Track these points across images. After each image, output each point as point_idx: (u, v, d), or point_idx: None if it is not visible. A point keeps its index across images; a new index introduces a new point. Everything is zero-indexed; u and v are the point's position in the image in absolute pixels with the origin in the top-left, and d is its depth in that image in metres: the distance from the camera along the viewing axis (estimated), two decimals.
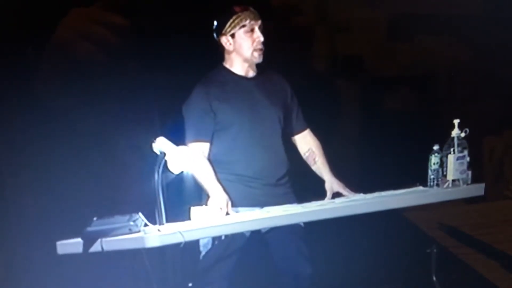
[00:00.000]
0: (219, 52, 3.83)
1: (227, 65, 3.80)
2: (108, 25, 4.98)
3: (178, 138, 3.44)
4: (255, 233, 3.73)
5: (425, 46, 5.99)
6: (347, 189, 3.83)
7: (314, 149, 3.96)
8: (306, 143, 3.97)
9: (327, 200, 3.80)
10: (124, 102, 4.71)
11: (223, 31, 3.73)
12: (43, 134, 4.51)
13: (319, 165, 3.94)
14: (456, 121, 3.60)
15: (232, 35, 3.72)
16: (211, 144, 3.72)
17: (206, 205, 3.57)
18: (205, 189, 3.66)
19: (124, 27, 4.97)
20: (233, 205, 3.64)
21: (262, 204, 3.70)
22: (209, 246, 3.68)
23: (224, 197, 3.61)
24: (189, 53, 4.76)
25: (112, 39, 4.95)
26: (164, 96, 4.74)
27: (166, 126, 4.50)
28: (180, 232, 3.11)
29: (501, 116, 6.07)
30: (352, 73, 5.97)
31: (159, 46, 4.82)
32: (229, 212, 3.59)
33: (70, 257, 3.24)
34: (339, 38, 6.01)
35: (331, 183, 3.87)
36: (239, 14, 3.71)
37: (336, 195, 3.84)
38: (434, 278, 3.96)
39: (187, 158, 3.27)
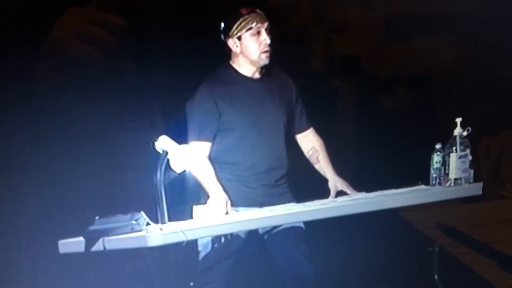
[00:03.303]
0: (220, 50, 3.81)
1: (234, 65, 3.78)
2: (105, 24, 4.97)
3: (180, 137, 3.43)
4: (254, 234, 3.73)
5: (424, 46, 6.01)
6: (351, 188, 3.83)
7: (317, 147, 3.95)
8: (309, 141, 3.97)
9: (330, 198, 3.79)
10: (125, 102, 4.70)
11: (230, 34, 3.71)
12: (45, 133, 4.50)
13: (322, 164, 3.93)
14: (458, 120, 3.60)
15: (239, 38, 3.70)
16: (212, 144, 3.71)
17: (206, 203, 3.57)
18: (205, 189, 3.65)
19: (121, 26, 4.96)
20: (231, 205, 3.63)
21: (260, 204, 3.69)
22: (209, 246, 3.67)
23: (224, 197, 3.60)
24: (188, 51, 4.76)
25: (109, 38, 4.93)
26: (166, 95, 4.74)
27: (168, 124, 4.50)
28: (182, 231, 3.11)
29: (497, 116, 6.09)
30: (354, 73, 5.99)
31: (157, 45, 4.82)
32: (228, 212, 3.58)
33: (72, 256, 3.23)
34: (338, 38, 6.02)
35: (335, 182, 3.87)
36: (246, 17, 3.68)
37: (340, 194, 3.83)
38: (436, 277, 3.97)
39: (190, 157, 3.26)
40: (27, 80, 4.77)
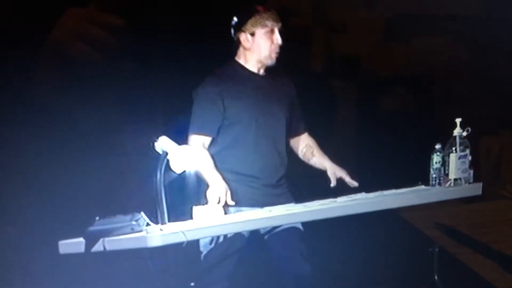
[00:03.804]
0: (221, 50, 3.83)
1: (240, 60, 3.79)
2: (106, 25, 4.97)
3: (180, 137, 3.43)
4: (255, 234, 3.74)
5: (424, 46, 6.01)
6: (349, 176, 3.83)
7: (311, 144, 3.97)
8: (303, 140, 3.99)
9: (332, 184, 3.80)
10: (125, 102, 4.71)
11: (243, 28, 3.72)
12: (45, 134, 4.51)
13: (318, 156, 3.94)
14: (458, 120, 3.60)
15: (252, 34, 3.71)
16: (214, 140, 3.71)
17: (205, 195, 3.57)
18: (205, 179, 3.65)
19: (122, 27, 4.96)
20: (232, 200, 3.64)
21: (261, 204, 3.68)
22: (210, 246, 3.67)
23: (223, 186, 3.60)
24: (189, 52, 4.77)
25: (109, 39, 4.94)
26: (166, 95, 4.74)
27: (168, 125, 4.50)
28: (182, 232, 3.11)
29: (498, 116, 6.08)
30: (354, 73, 5.99)
31: (157, 45, 4.82)
32: (228, 202, 3.58)
33: (72, 257, 3.24)
34: (338, 38, 6.02)
35: (333, 169, 3.87)
36: (262, 13, 3.70)
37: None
38: (436, 277, 3.97)
39: (189, 158, 3.26)
40: (27, 81, 4.77)
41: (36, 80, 4.84)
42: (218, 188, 3.58)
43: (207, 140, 3.71)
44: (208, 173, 3.64)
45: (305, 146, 3.97)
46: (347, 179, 3.82)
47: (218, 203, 3.54)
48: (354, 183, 3.79)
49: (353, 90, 6.02)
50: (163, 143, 3.24)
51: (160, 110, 4.81)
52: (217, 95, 3.68)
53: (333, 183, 3.82)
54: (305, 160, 3.98)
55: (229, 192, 3.60)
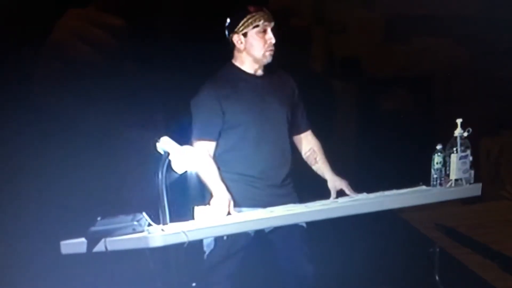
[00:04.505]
0: (221, 51, 3.83)
1: (236, 63, 3.79)
2: (106, 25, 4.97)
3: (182, 138, 3.44)
4: (258, 233, 3.74)
5: (424, 47, 6.01)
6: (350, 188, 3.84)
7: (315, 149, 3.97)
8: (308, 143, 3.98)
9: (332, 198, 3.80)
10: (127, 103, 4.70)
11: (236, 30, 3.73)
12: (46, 134, 4.51)
13: (320, 165, 3.95)
14: (458, 121, 3.61)
15: (245, 34, 3.72)
16: (217, 143, 3.72)
17: (209, 204, 3.58)
18: (209, 188, 3.66)
19: (122, 27, 4.96)
20: (236, 205, 3.65)
21: (265, 205, 3.69)
22: (212, 246, 3.68)
23: (227, 196, 3.61)
24: (190, 52, 4.76)
25: (110, 39, 4.94)
26: (167, 96, 4.74)
27: (170, 125, 4.50)
28: (183, 232, 3.12)
29: (497, 117, 6.09)
30: (354, 74, 5.99)
31: (158, 46, 4.82)
32: (231, 212, 3.59)
33: (74, 257, 3.24)
34: (338, 39, 6.02)
35: (334, 182, 3.89)
36: (253, 14, 3.71)
37: (340, 194, 3.84)
38: (437, 278, 3.97)
39: (191, 158, 3.27)
40: (28, 81, 4.77)
41: (36, 81, 4.83)
42: (222, 199, 3.59)
43: (211, 145, 3.72)
44: (212, 184, 3.65)
45: (309, 150, 3.98)
46: (347, 191, 3.83)
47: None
48: (355, 194, 3.80)
49: (353, 90, 6.02)
50: (164, 144, 3.25)
51: (162, 111, 4.81)
52: (214, 100, 3.69)
53: (332, 197, 3.83)
54: (308, 163, 3.99)
55: (232, 203, 3.61)
